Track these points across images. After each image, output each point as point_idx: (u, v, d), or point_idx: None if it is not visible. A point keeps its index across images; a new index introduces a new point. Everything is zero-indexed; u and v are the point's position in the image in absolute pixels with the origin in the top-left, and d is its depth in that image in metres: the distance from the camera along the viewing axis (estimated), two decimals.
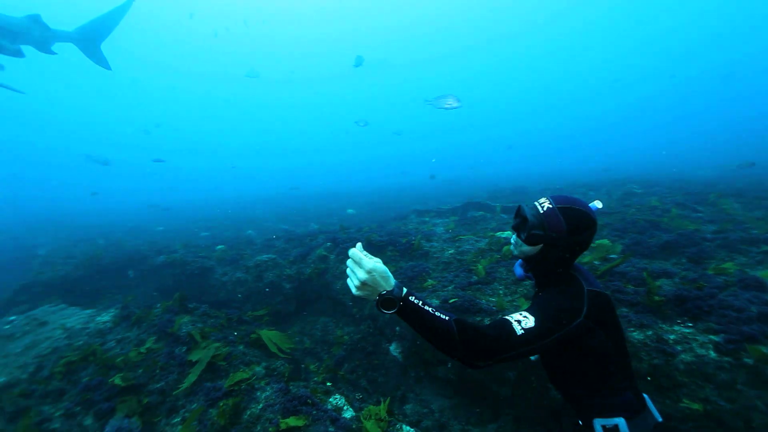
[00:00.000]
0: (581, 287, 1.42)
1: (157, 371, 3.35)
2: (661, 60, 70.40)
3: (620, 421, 1.44)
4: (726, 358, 2.45)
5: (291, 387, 2.96)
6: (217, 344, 3.50)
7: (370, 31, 77.98)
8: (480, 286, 4.30)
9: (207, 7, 75.05)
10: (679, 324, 2.86)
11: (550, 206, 1.43)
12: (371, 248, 6.84)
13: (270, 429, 2.32)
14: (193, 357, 3.30)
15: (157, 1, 69.44)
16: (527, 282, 3.50)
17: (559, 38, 72.53)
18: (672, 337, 2.73)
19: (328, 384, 3.80)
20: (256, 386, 2.98)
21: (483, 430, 3.70)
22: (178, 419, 2.76)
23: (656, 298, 3.01)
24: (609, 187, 10.54)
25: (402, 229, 8.16)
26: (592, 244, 4.29)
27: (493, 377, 3.64)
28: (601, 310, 1.41)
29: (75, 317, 5.13)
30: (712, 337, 2.62)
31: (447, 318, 1.27)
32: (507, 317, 1.32)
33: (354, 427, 2.46)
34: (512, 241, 1.61)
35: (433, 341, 1.27)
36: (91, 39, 6.04)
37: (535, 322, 1.28)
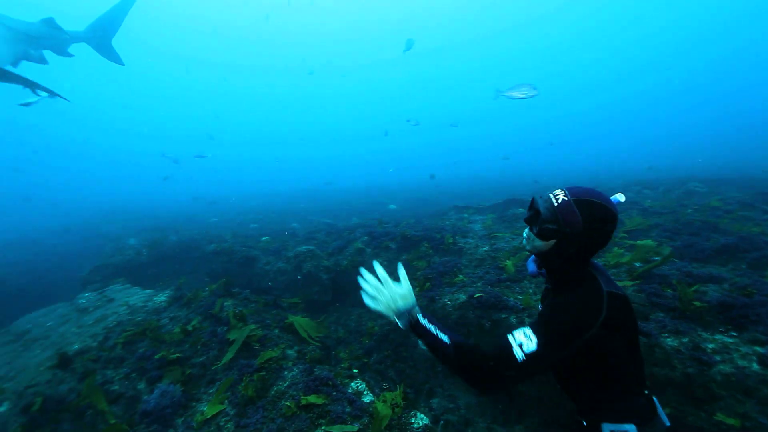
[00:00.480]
0: (599, 290, 1.31)
1: (200, 347, 3.70)
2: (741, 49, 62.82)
3: (631, 428, 1.34)
4: None
5: (316, 369, 3.14)
6: (253, 326, 3.79)
7: (415, 18, 76.02)
8: (509, 283, 4.24)
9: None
10: (721, 332, 2.66)
11: (565, 198, 1.33)
12: (406, 243, 6.94)
13: (291, 403, 2.50)
14: (231, 336, 3.60)
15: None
16: None
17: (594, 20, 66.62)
18: (711, 345, 2.54)
19: (355, 371, 3.96)
20: (284, 366, 3.20)
21: (509, 430, 3.67)
22: (214, 389, 3.06)
23: (697, 303, 2.81)
24: (668, 185, 9.74)
25: (438, 225, 8.17)
26: (634, 243, 4.05)
27: None
28: (618, 312, 1.30)
29: (137, 296, 5.75)
30: (757, 348, 2.41)
31: (448, 342, 1.30)
32: (510, 338, 1.26)
33: (370, 410, 2.58)
34: (524, 235, 1.52)
35: (442, 364, 1.32)
36: (101, 36, 5.97)
37: (538, 345, 1.20)
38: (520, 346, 1.21)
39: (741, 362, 2.37)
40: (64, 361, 3.70)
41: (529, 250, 1.50)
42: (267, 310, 4.76)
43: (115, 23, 5.97)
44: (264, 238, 9.26)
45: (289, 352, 3.81)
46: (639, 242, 3.89)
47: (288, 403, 2.55)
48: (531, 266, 1.82)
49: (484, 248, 5.89)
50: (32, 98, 7.10)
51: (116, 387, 3.37)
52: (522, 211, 9.19)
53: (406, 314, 1.47)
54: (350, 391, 2.90)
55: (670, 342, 2.66)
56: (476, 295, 3.80)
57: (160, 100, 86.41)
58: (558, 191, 1.38)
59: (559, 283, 1.49)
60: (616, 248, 4.18)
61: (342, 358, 4.67)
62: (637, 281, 3.34)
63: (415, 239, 6.82)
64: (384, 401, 2.58)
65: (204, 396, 3.03)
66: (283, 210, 17.89)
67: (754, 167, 13.57)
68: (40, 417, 3.10)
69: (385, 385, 4.08)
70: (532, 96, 6.41)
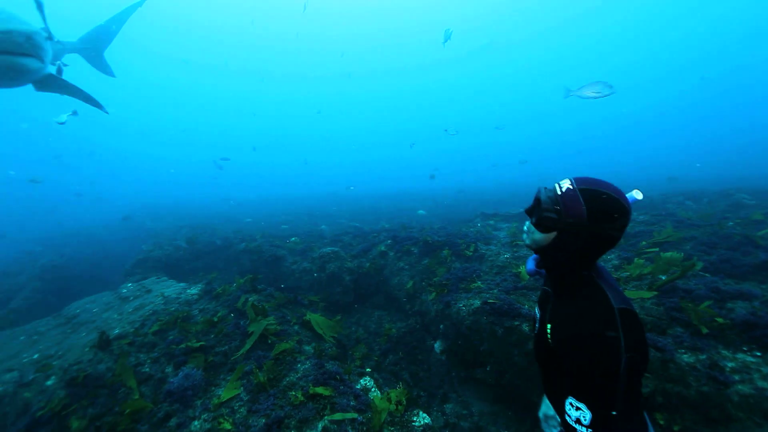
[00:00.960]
0: (609, 307, 1.15)
1: (223, 337, 3.95)
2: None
3: None
4: None
5: (327, 365, 3.28)
6: (272, 320, 4.00)
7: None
8: (525, 291, 4.19)
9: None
10: (744, 352, 2.52)
11: (571, 187, 1.20)
12: (429, 248, 6.98)
13: (299, 393, 2.65)
14: (251, 329, 3.82)
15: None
16: None
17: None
18: (730, 364, 2.43)
19: (367, 369, 4.07)
20: (298, 359, 3.36)
21: None
22: (232, 376, 3.27)
23: (720, 320, 2.69)
24: (711, 197, 9.13)
25: (462, 231, 8.14)
26: (659, 254, 3.88)
27: (534, 387, 3.55)
28: (630, 332, 1.11)
29: (172, 288, 6.18)
30: None
31: None
32: (567, 419, 1.13)
33: (372, 405, 2.68)
34: (524, 228, 1.38)
35: None
36: (94, 48, 5.72)
37: (592, 413, 1.07)
38: (579, 422, 1.09)
39: (761, 383, 2.25)
40: (103, 344, 4.08)
41: (528, 245, 1.36)
42: (288, 306, 4.97)
43: (111, 35, 5.85)
44: (292, 238, 9.60)
45: (306, 347, 3.98)
46: (663, 254, 3.73)
47: (296, 393, 2.69)
48: (530, 264, 1.70)
49: (505, 255, 5.83)
50: (65, 116, 7.66)
51: (146, 369, 3.67)
52: None
53: None
54: (358, 387, 3.01)
55: (686, 358, 2.56)
56: (490, 300, 3.79)
57: (199, 110, 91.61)
58: (565, 180, 1.25)
59: (559, 286, 1.34)
60: (637, 259, 4.03)
61: (357, 357, 4.79)
62: (655, 293, 3.21)
63: (437, 245, 6.85)
64: (387, 398, 2.66)
65: (223, 382, 3.25)
66: (314, 213, 18.39)
67: None
68: (81, 390, 3.45)
69: (400, 386, 4.16)
70: (607, 95, 5.86)
